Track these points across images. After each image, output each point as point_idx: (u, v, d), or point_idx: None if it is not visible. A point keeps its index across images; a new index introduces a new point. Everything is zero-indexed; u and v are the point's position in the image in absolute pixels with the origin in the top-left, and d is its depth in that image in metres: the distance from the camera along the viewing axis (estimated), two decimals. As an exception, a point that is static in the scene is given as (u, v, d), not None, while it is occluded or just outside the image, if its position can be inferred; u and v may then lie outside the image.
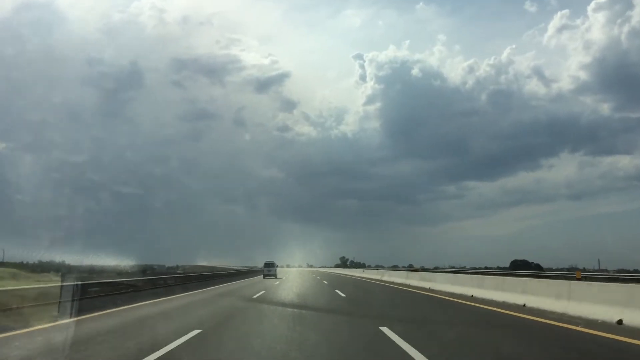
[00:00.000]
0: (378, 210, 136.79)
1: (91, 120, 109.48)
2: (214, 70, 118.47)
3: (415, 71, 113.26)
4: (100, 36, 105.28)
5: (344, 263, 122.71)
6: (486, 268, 77.88)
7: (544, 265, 77.89)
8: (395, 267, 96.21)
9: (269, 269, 44.53)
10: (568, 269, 60.19)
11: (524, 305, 11.97)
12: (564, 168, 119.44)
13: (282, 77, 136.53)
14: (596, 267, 61.62)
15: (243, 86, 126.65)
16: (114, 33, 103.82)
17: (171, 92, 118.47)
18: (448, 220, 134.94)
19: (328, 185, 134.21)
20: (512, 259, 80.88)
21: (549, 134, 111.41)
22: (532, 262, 73.71)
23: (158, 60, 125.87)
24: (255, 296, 18.53)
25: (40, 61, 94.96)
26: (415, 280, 24.65)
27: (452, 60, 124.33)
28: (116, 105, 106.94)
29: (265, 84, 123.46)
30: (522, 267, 64.09)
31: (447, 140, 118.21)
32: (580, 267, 67.50)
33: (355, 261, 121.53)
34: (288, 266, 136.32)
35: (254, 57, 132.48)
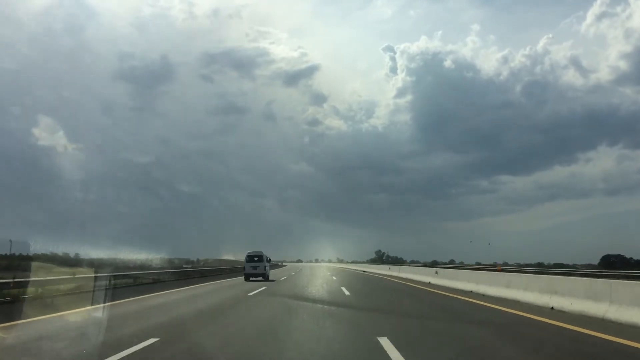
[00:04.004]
0: (410, 204, 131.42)
1: (118, 114, 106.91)
2: (243, 64, 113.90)
3: (447, 63, 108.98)
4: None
5: (380, 257, 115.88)
6: (538, 264, 69.04)
7: (594, 262, 68.19)
8: (435, 263, 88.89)
9: (254, 265, 28.03)
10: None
11: None
12: (601, 162, 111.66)
13: (311, 70, 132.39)
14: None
15: (272, 79, 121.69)
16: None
17: (200, 86, 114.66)
18: (482, 215, 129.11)
19: (358, 180, 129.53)
20: (604, 254, 69.32)
21: (586, 126, 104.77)
22: (631, 258, 62.25)
23: (188, 54, 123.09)
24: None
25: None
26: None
27: (486, 51, 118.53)
28: (147, 99, 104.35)
29: (294, 77, 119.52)
30: (616, 266, 52.24)
31: (479, 134, 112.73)
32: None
33: (390, 255, 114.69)
34: (316, 260, 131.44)
35: (283, 49, 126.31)
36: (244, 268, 28.54)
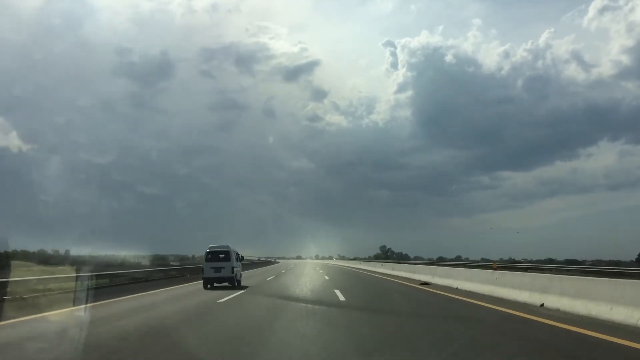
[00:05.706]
0: (412, 200, 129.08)
1: (121, 110, 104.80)
2: (243, 59, 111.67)
3: (448, 57, 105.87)
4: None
5: (384, 253, 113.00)
6: (549, 260, 65.88)
7: (605, 258, 65.03)
8: (441, 260, 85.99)
9: (216, 266, 19.52)
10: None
11: None
12: (603, 157, 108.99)
13: (311, 66, 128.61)
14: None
15: (272, 75, 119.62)
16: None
17: (200, 82, 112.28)
18: (483, 211, 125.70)
19: (360, 176, 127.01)
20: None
21: (588, 121, 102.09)
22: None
23: (187, 49, 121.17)
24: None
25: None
26: None
27: (487, 45, 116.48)
28: (146, 96, 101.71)
29: (294, 73, 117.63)
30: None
31: (481, 129, 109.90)
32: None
33: (394, 251, 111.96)
34: (316, 257, 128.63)
35: (283, 45, 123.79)
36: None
